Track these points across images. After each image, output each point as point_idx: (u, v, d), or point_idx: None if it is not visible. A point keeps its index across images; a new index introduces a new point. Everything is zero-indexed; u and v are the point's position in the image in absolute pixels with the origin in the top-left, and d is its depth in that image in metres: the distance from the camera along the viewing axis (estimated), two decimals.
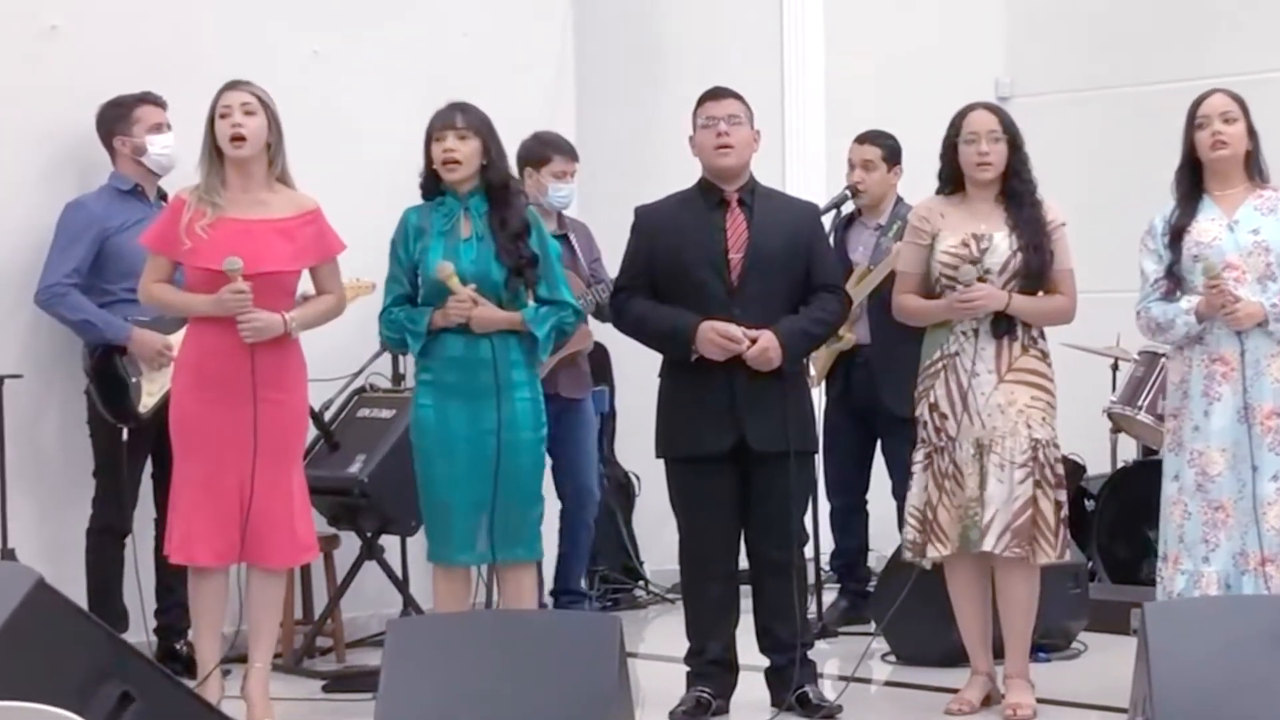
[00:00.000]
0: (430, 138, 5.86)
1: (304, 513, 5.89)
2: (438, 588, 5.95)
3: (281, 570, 5.94)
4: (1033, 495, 5.78)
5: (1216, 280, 5.65)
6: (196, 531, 5.71)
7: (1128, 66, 9.08)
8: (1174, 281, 5.80)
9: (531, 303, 5.89)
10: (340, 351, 7.04)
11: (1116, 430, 8.17)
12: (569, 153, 7.42)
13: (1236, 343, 5.70)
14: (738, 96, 5.95)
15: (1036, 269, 5.83)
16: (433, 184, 5.91)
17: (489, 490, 5.76)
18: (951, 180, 5.94)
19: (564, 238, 7.41)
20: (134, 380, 6.39)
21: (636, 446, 8.11)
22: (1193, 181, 5.84)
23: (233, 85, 5.78)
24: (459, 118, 5.83)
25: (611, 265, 7.51)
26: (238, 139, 5.72)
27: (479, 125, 5.84)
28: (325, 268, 5.92)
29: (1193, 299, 5.74)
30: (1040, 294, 5.88)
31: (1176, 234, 5.78)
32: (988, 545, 5.76)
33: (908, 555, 5.94)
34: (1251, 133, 5.80)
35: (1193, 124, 5.81)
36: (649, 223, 5.98)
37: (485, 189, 5.86)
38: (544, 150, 7.34)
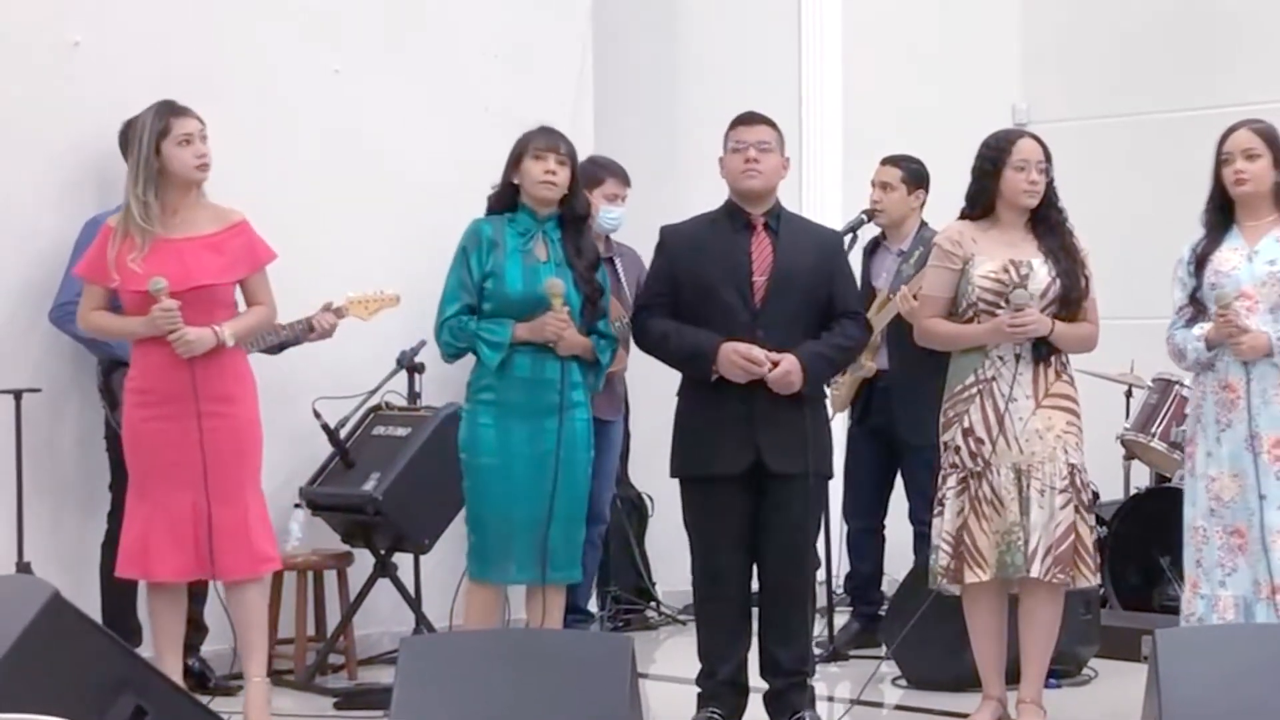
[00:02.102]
0: (524, 154, 5.89)
1: (261, 523, 5.92)
2: (475, 606, 5.94)
3: (251, 581, 5.92)
4: (1073, 521, 5.80)
5: (1226, 310, 5.68)
6: (154, 547, 5.76)
7: (1144, 94, 9.09)
8: (1197, 308, 5.85)
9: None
10: (356, 369, 7.06)
11: (1130, 457, 8.17)
12: (622, 176, 7.47)
13: (1244, 372, 5.73)
14: (770, 123, 5.97)
15: (1075, 296, 5.86)
16: (509, 199, 5.95)
17: (544, 511, 5.80)
18: (984, 205, 5.94)
19: (609, 261, 7.45)
20: None
21: (650, 468, 8.13)
22: (1223, 211, 5.87)
23: (182, 111, 5.83)
24: (562, 144, 5.90)
25: None
26: (205, 167, 5.82)
27: (573, 155, 5.93)
28: (255, 278, 5.96)
29: (1205, 326, 5.78)
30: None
31: (1200, 262, 5.84)
32: (1034, 572, 5.76)
33: (941, 581, 5.89)
34: (1278, 164, 5.81)
35: (1219, 158, 5.84)
36: (674, 242, 5.99)
37: (560, 217, 5.91)
38: (598, 172, 7.38)
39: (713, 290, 5.84)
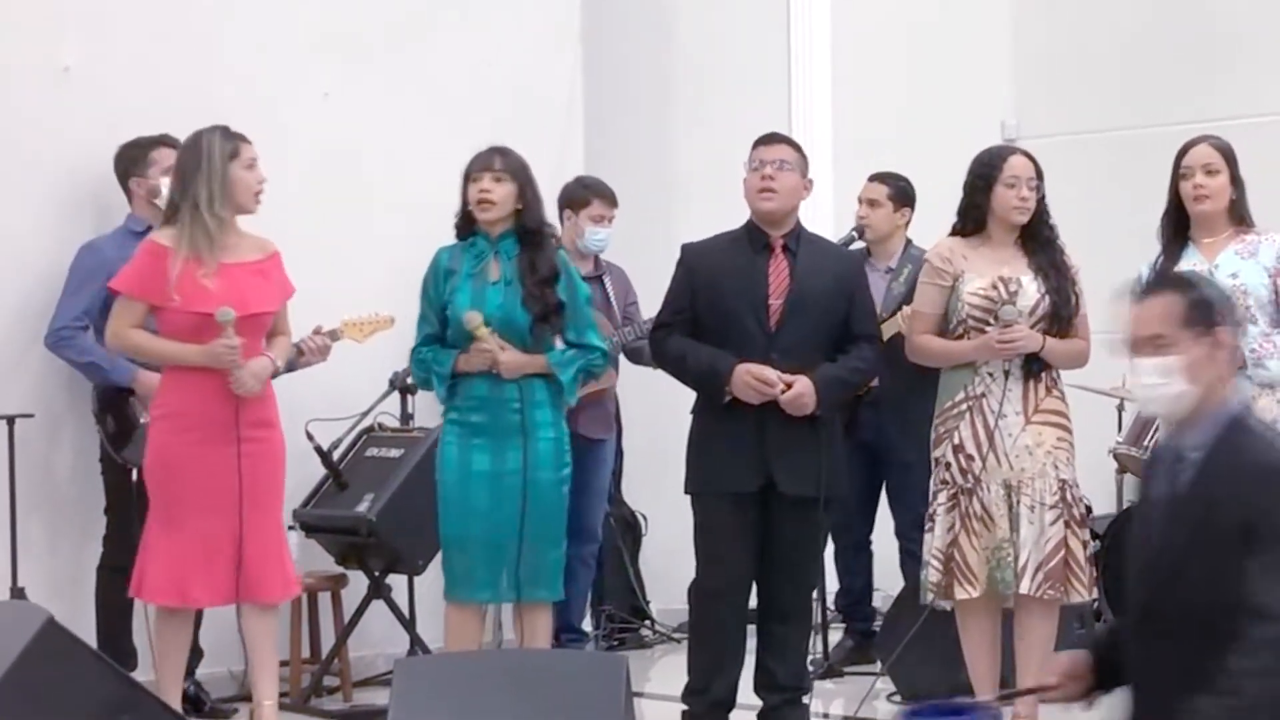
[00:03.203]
0: (467, 178, 5.94)
1: (287, 547, 5.97)
2: (451, 626, 5.98)
3: (277, 605, 5.96)
4: (1064, 536, 5.81)
5: None
6: (191, 573, 5.74)
7: (1134, 109, 9.09)
8: None
9: (559, 345, 5.95)
10: (349, 391, 7.07)
11: (1122, 471, 8.17)
12: (609, 197, 7.51)
13: None
14: (790, 143, 6.00)
15: (1066, 313, 5.88)
16: (467, 224, 5.98)
17: (510, 530, 5.82)
18: (975, 221, 5.96)
19: (598, 280, 7.47)
20: (144, 422, 6.42)
21: (643, 486, 8.13)
22: (1178, 227, 5.91)
23: (243, 136, 5.83)
24: (497, 160, 5.92)
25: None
26: (260, 194, 5.83)
27: (516, 169, 5.93)
28: (283, 308, 5.99)
29: None
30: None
31: None
32: (1024, 588, 5.78)
33: (931, 597, 5.91)
34: (1235, 181, 5.85)
35: (1178, 172, 5.87)
36: (693, 261, 6.00)
37: (518, 233, 5.92)
38: (584, 193, 7.44)
39: (729, 312, 5.86)
